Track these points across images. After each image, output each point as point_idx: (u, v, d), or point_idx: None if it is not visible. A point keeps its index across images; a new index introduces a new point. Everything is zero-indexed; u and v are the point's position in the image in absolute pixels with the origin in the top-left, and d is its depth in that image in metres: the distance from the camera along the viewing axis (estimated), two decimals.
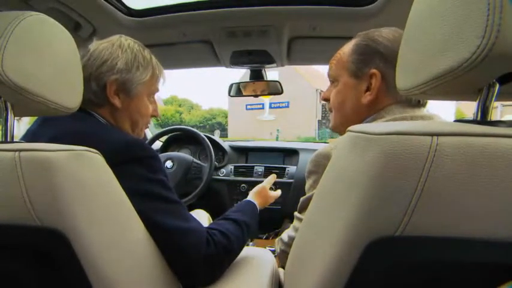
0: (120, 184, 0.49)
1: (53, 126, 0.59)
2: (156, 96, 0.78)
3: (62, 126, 0.58)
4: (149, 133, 1.84)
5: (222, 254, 0.61)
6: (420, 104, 0.64)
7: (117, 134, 0.60)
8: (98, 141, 0.52)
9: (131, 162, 0.55)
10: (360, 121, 0.66)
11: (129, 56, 0.66)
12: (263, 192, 0.97)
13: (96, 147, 0.46)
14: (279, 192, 1.07)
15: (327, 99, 0.74)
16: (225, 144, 1.76)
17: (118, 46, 0.66)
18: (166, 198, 0.57)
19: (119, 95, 0.66)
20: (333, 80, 0.72)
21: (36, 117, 0.64)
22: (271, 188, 1.60)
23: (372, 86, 0.63)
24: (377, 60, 0.63)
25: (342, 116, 0.70)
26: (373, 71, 0.62)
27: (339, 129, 0.72)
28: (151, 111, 0.75)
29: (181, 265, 0.58)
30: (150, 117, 0.76)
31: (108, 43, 0.67)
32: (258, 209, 0.86)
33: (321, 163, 0.61)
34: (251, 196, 0.93)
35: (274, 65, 1.38)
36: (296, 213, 0.70)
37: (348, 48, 0.68)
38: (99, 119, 0.65)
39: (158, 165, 0.59)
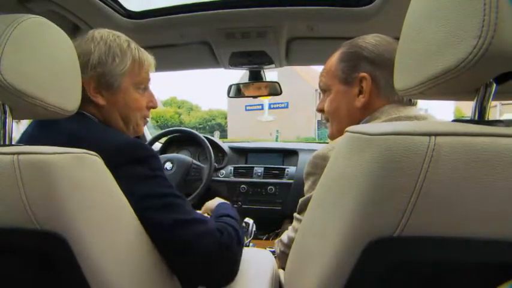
0: (121, 185, 0.49)
1: (49, 129, 0.58)
2: (156, 97, 0.76)
3: (59, 129, 0.57)
4: (148, 135, 1.83)
5: (235, 244, 0.58)
6: (411, 103, 0.66)
7: (114, 135, 0.59)
8: (96, 143, 0.52)
9: (131, 163, 0.54)
10: (356, 125, 0.67)
11: (103, 48, 0.61)
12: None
13: (94, 150, 0.46)
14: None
15: (321, 110, 0.76)
16: (225, 145, 1.76)
17: (90, 40, 0.62)
18: (169, 194, 0.56)
19: (101, 92, 0.63)
20: (325, 90, 0.75)
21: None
22: (270, 189, 1.61)
23: (364, 89, 0.66)
24: (364, 64, 0.66)
25: (338, 123, 0.72)
26: (363, 74, 0.65)
27: (336, 137, 0.73)
28: (147, 103, 0.70)
29: (198, 254, 0.54)
30: (147, 109, 0.71)
31: (81, 40, 0.63)
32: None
33: (318, 164, 0.62)
34: (213, 203, 0.86)
35: (273, 65, 1.38)
36: (295, 214, 0.70)
37: (334, 58, 0.72)
38: (92, 119, 0.63)
39: (158, 163, 0.58)
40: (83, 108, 0.62)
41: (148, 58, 0.69)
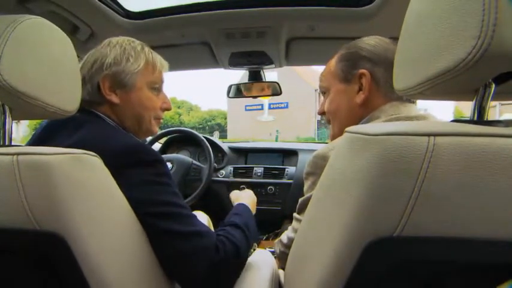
0: (126, 188, 0.49)
1: (62, 132, 0.58)
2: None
3: (70, 128, 0.58)
4: None
5: (231, 263, 0.58)
6: (411, 101, 0.67)
7: (122, 137, 0.59)
8: (102, 143, 0.52)
9: (136, 166, 0.54)
10: (356, 124, 0.67)
11: (118, 51, 0.64)
12: (244, 193, 0.93)
13: (99, 150, 0.46)
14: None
15: (323, 113, 0.76)
16: (224, 146, 1.76)
17: (107, 45, 0.66)
18: (172, 203, 0.55)
19: (115, 91, 0.65)
20: (325, 90, 0.75)
21: (40, 121, 0.64)
22: (270, 189, 1.61)
23: (363, 85, 0.66)
24: (363, 62, 0.66)
25: (339, 122, 0.72)
26: (362, 71, 0.66)
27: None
28: (161, 104, 0.72)
29: (187, 271, 0.55)
30: (161, 110, 0.72)
31: (98, 46, 0.66)
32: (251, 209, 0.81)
33: (318, 164, 0.61)
34: (238, 199, 0.86)
35: (273, 66, 1.38)
36: (295, 214, 0.70)
37: (334, 59, 0.73)
38: (106, 120, 0.64)
39: (163, 169, 0.57)
40: (97, 109, 0.64)
41: (161, 61, 0.72)
